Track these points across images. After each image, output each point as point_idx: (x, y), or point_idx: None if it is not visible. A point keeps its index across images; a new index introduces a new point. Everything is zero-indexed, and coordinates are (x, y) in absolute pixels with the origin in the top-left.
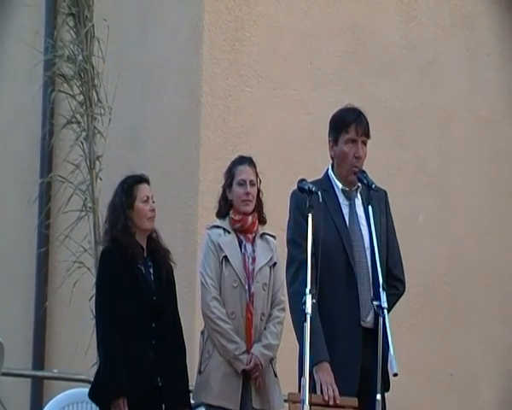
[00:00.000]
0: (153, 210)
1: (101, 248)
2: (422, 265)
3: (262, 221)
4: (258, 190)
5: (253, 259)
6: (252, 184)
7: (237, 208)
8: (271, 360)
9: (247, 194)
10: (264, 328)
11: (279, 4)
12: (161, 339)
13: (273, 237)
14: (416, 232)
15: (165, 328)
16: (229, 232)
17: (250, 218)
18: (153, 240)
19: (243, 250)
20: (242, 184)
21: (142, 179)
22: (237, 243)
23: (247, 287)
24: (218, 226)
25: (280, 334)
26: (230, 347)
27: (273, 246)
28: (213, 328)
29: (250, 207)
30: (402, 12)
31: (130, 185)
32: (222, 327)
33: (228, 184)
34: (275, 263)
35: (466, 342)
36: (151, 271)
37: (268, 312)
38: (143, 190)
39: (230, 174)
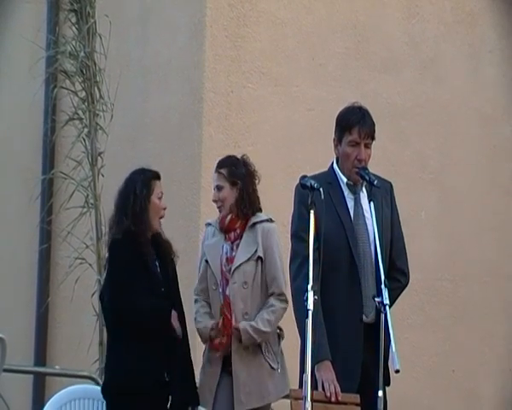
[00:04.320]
0: (164, 209)
1: (103, 244)
2: (424, 262)
3: (244, 216)
4: (241, 185)
5: (229, 259)
6: (217, 188)
7: None
8: (262, 349)
9: (215, 201)
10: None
11: (281, 1)
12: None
13: (267, 220)
14: (417, 229)
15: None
16: (220, 231)
17: (228, 218)
18: (156, 234)
19: (221, 251)
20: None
21: (158, 176)
22: (222, 243)
23: (220, 289)
24: (211, 224)
25: (273, 323)
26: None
27: (261, 236)
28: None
29: (222, 213)
30: (404, 8)
31: (149, 178)
32: (196, 326)
33: None
34: (259, 257)
35: (467, 339)
36: (157, 264)
37: (257, 308)
38: (159, 187)
39: None
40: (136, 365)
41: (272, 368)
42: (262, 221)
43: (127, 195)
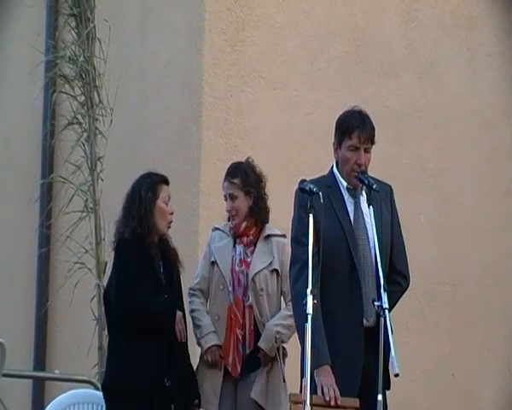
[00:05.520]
0: (171, 213)
1: (102, 248)
2: (423, 265)
3: (260, 223)
4: (255, 194)
5: (243, 261)
6: (231, 197)
7: None
8: (279, 360)
9: (228, 211)
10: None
11: (280, 5)
12: (169, 339)
13: (281, 235)
14: (416, 233)
15: (174, 328)
16: (228, 235)
17: (244, 224)
18: (163, 240)
19: (233, 253)
20: (225, 200)
21: (166, 180)
22: (232, 246)
23: (230, 288)
24: (219, 229)
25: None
26: (197, 332)
27: (276, 249)
28: (192, 322)
29: (236, 221)
30: (403, 12)
31: (155, 182)
32: (192, 316)
33: None
34: (275, 269)
35: (467, 343)
36: (161, 270)
37: (269, 317)
38: (166, 191)
39: None
40: (137, 365)
41: (284, 381)
42: (276, 235)
43: (133, 198)
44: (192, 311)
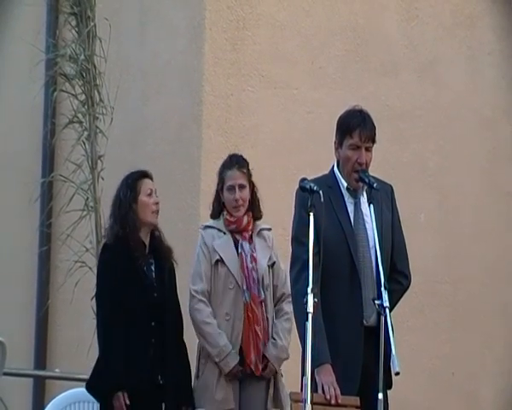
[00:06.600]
0: (157, 203)
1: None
2: (424, 264)
3: (257, 218)
4: (253, 187)
5: (253, 258)
6: (241, 187)
7: (230, 212)
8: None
9: (237, 200)
10: (275, 324)
11: (280, 4)
12: (162, 338)
13: (269, 229)
14: (417, 232)
15: (166, 326)
16: (224, 233)
17: (245, 218)
18: (156, 238)
19: (240, 250)
20: (231, 189)
21: (145, 174)
22: (233, 243)
23: (245, 287)
24: (211, 227)
25: (291, 330)
26: (213, 352)
27: (270, 242)
28: (199, 332)
29: (241, 212)
30: (403, 11)
31: (133, 180)
32: (205, 330)
33: (220, 188)
34: (274, 262)
35: (467, 342)
36: (152, 268)
37: (273, 311)
38: (147, 184)
39: (221, 178)
40: (130, 365)
41: (281, 375)
42: (266, 229)
43: (115, 201)
44: (204, 323)
